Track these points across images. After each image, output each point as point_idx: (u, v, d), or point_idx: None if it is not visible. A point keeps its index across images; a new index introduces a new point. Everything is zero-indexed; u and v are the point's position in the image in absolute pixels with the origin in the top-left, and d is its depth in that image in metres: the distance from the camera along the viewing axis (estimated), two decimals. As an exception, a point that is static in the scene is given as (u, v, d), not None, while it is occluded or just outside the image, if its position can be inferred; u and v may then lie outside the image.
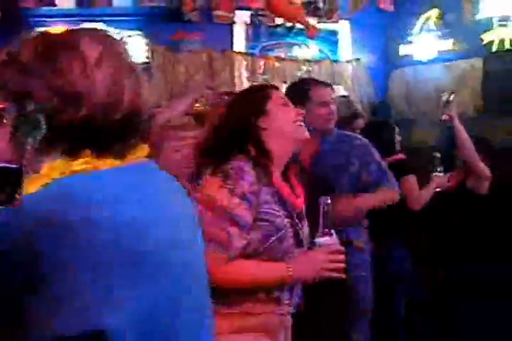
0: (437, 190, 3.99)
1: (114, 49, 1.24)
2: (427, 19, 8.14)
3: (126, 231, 1.12)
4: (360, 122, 5.29)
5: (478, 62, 7.23)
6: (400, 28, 8.37)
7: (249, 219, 1.98)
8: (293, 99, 2.87)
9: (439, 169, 4.02)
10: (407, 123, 7.59)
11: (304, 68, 8.41)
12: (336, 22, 8.48)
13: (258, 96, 2.22)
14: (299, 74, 8.27)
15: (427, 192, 3.74)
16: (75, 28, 1.29)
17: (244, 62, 8.24)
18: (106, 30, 1.36)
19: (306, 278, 2.10)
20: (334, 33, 8.67)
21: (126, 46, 1.31)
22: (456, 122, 4.28)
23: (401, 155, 4.54)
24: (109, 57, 1.21)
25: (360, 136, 3.61)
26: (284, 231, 2.06)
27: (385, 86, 8.59)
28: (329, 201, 2.19)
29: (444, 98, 4.42)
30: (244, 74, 8.23)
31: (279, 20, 7.96)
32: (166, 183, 1.34)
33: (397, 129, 4.74)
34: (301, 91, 3.15)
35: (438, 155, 4.19)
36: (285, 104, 2.22)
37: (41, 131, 1.09)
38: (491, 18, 7.13)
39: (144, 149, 1.25)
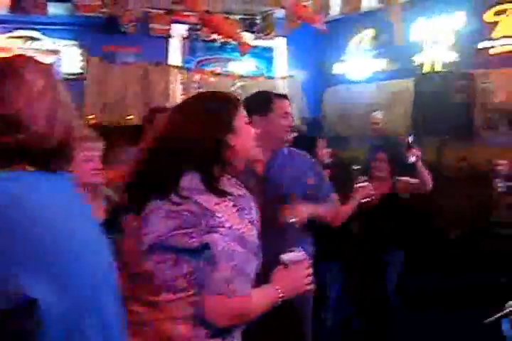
0: (364, 200, 3.99)
1: (53, 80, 1.31)
2: (362, 39, 8.31)
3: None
4: (290, 136, 5.31)
5: (409, 83, 7.41)
6: (334, 47, 8.52)
7: None
8: (255, 109, 2.88)
9: (361, 179, 4.02)
10: (340, 140, 7.70)
11: (239, 83, 8.46)
12: (272, 39, 8.58)
13: (228, 109, 2.01)
14: (233, 89, 8.32)
15: (349, 207, 3.72)
16: (9, 35, 1.33)
17: (180, 76, 8.23)
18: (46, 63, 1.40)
19: (292, 296, 2.01)
20: (270, 49, 8.78)
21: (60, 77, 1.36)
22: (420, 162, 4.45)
23: (326, 171, 4.56)
24: (50, 89, 1.28)
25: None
26: None
27: (319, 103, 8.71)
28: (294, 219, 2.18)
29: (407, 140, 4.54)
30: (179, 87, 8.21)
31: (215, 35, 7.99)
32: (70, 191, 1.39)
33: (322, 142, 4.73)
34: (264, 102, 3.14)
35: (356, 167, 4.22)
36: (248, 122, 2.09)
37: None
38: (423, 41, 7.33)
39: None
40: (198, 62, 8.51)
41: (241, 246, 1.75)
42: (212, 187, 1.80)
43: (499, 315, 1.71)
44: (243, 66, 8.70)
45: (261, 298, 1.89)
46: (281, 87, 8.56)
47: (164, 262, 1.75)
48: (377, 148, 5.02)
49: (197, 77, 8.34)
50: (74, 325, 1.21)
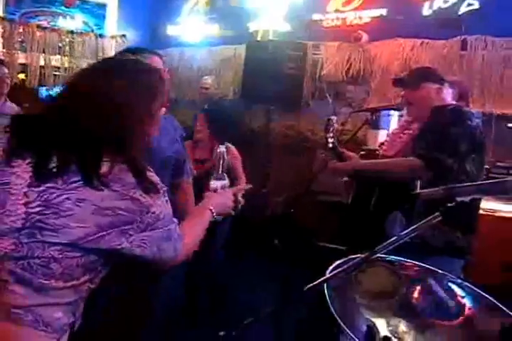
0: None
1: None
2: (197, 2, 8.21)
3: None
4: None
5: (241, 49, 7.40)
6: (169, 9, 8.35)
7: None
8: None
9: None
10: (170, 103, 7.60)
11: (67, 40, 8.08)
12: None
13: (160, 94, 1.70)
14: (60, 45, 7.94)
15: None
16: None
17: (1, 28, 7.68)
18: None
19: (223, 213, 2.16)
20: (102, 6, 8.43)
21: None
22: None
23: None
24: None
25: None
26: None
27: (149, 65, 8.54)
28: (225, 150, 2.32)
29: None
30: (0, 40, 7.67)
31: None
32: None
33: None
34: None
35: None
36: None
37: None
38: (257, 9, 7.34)
39: None
40: (24, 14, 7.96)
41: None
42: (146, 180, 1.55)
43: (321, 280, 1.71)
44: (72, 22, 8.28)
45: (198, 224, 1.97)
46: (112, 46, 8.30)
47: (71, 252, 1.50)
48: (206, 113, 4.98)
49: (20, 30, 7.82)
50: None
